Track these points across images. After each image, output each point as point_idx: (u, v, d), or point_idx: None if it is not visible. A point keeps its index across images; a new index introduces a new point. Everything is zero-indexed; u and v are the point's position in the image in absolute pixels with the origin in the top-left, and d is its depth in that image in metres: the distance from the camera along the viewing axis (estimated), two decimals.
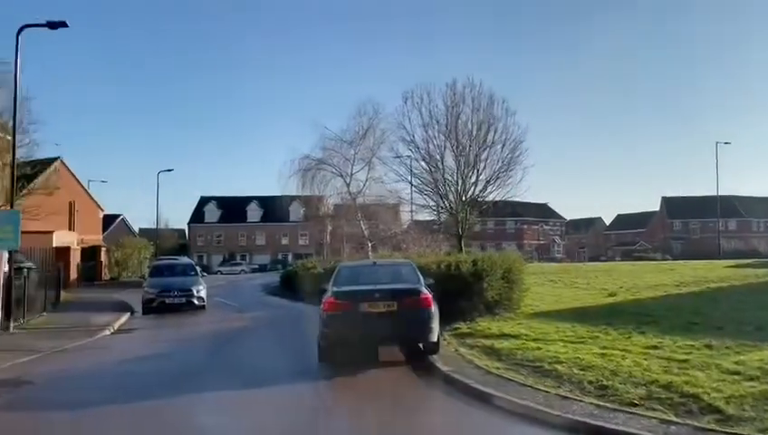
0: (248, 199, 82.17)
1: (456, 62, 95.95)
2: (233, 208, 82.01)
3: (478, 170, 27.18)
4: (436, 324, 10.07)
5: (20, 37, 15.85)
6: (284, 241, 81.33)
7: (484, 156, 27.10)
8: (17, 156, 16.83)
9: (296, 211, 69.50)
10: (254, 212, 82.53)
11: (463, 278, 14.06)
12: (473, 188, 27.35)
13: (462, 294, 13.82)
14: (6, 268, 15.88)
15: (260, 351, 12.90)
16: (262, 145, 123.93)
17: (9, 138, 17.12)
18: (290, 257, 73.02)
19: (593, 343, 10.38)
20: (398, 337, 10.32)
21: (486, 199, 28.12)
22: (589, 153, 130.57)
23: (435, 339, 10.13)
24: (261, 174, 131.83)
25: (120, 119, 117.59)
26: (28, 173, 19.65)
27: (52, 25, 15.82)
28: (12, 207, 16.46)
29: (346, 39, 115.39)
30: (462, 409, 7.62)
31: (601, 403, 6.90)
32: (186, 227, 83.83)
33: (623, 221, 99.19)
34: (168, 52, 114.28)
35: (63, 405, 8.23)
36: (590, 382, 7.71)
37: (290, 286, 30.86)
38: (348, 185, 34.20)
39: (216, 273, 59.12)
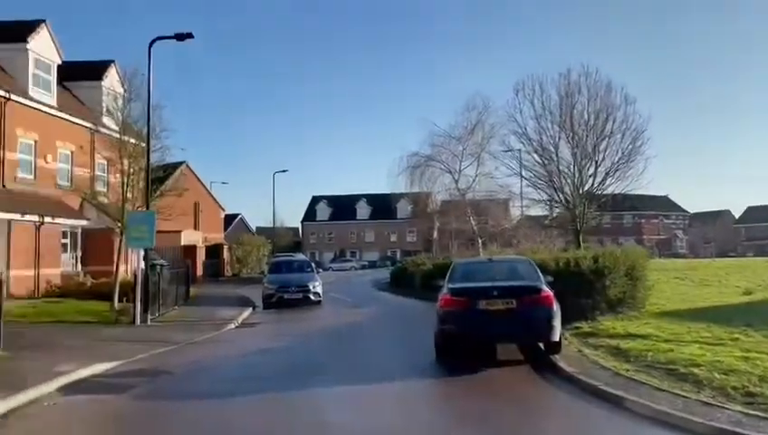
0: (357, 197, 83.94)
1: (569, 51, 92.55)
2: (343, 207, 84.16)
3: (596, 162, 26.02)
4: (557, 323, 9.71)
5: (152, 49, 17.09)
6: (393, 238, 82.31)
7: (602, 146, 25.93)
8: (151, 160, 18.14)
9: (404, 208, 70.12)
10: (363, 210, 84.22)
11: (583, 275, 13.53)
12: (591, 181, 26.24)
13: (582, 291, 13.34)
14: (143, 265, 17.16)
15: (376, 346, 13.05)
16: (371, 144, 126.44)
17: (143, 144, 18.50)
18: (398, 254, 73.85)
19: (733, 345, 9.60)
20: (518, 336, 10.06)
21: (605, 192, 26.88)
22: (715, 141, 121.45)
23: (557, 338, 9.77)
24: (370, 172, 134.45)
25: (239, 123, 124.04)
26: (160, 176, 21.14)
27: (180, 37, 16.90)
28: (147, 208, 17.78)
29: (454, 35, 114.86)
30: (591, 412, 7.25)
31: (751, 411, 6.31)
32: (299, 226, 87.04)
33: (755, 214, 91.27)
34: (282, 55, 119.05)
35: (198, 395, 8.72)
36: (735, 388, 7.09)
37: (400, 283, 31.21)
38: (456, 181, 34.01)
39: (327, 269, 60.83)
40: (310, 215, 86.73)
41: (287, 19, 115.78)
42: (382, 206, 76.31)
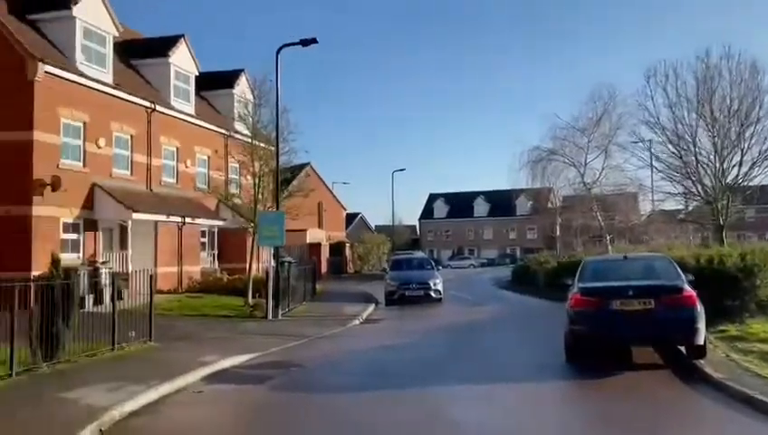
0: (475, 195, 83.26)
1: (705, 32, 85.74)
2: (460, 204, 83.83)
3: (742, 150, 23.82)
4: (701, 325, 9.01)
5: (279, 56, 17.91)
6: (512, 235, 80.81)
7: (748, 134, 23.66)
8: (279, 163, 19.01)
9: (523, 205, 68.40)
10: (480, 207, 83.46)
11: (728, 274, 12.53)
12: (735, 171, 24.09)
13: (727, 292, 12.37)
14: (274, 263, 18.04)
15: (501, 345, 12.82)
16: (489, 140, 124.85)
17: (272, 148, 19.46)
18: (518, 252, 72.47)
19: None
20: (657, 338, 9.46)
21: (751, 184, 24.57)
22: None
23: (701, 342, 9.06)
24: (487, 169, 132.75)
25: (356, 123, 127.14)
26: (288, 178, 22.15)
27: (305, 43, 17.57)
28: (277, 208, 18.67)
29: (574, 25, 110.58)
30: (744, 423, 6.63)
31: None
32: (417, 223, 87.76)
33: None
34: (397, 54, 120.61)
35: (329, 388, 9.01)
36: None
37: (522, 281, 30.57)
38: (582, 175, 32.65)
39: (446, 267, 60.82)
40: (427, 212, 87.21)
41: (402, 19, 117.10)
42: (501, 202, 75.12)
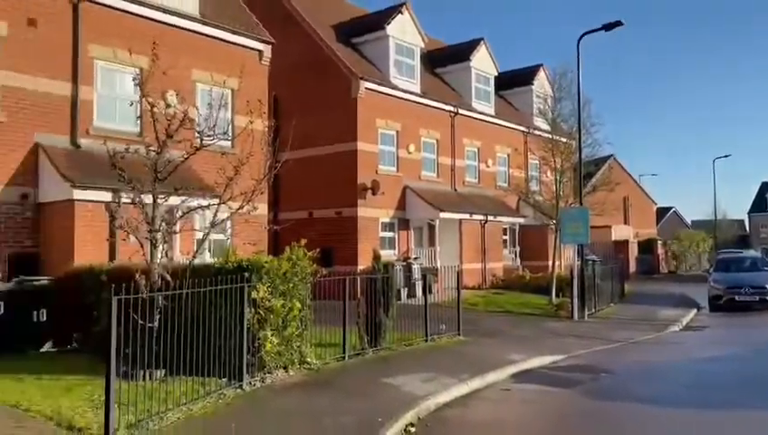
0: None
1: None
2: None
3: None
4: None
5: (580, 44, 17.12)
6: None
7: None
8: (582, 156, 18.18)
9: None
10: None
11: None
12: None
13: None
14: (578, 261, 17.33)
15: None
16: None
17: (573, 141, 18.71)
18: None
19: None
20: None
21: None
22: None
23: None
24: None
25: (665, 113, 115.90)
26: (591, 172, 21.12)
27: (608, 27, 16.48)
28: (580, 204, 17.89)
29: None
30: None
31: None
32: (745, 217, 76.11)
33: None
34: (701, 40, 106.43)
35: (644, 399, 8.16)
36: None
37: None
38: None
39: None
40: (759, 204, 74.68)
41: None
42: None
